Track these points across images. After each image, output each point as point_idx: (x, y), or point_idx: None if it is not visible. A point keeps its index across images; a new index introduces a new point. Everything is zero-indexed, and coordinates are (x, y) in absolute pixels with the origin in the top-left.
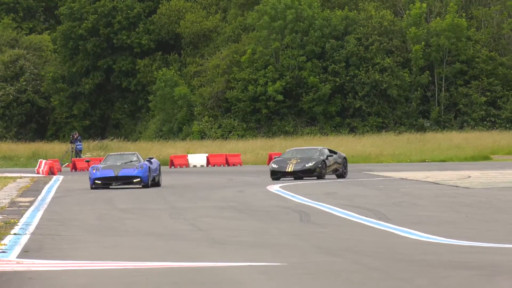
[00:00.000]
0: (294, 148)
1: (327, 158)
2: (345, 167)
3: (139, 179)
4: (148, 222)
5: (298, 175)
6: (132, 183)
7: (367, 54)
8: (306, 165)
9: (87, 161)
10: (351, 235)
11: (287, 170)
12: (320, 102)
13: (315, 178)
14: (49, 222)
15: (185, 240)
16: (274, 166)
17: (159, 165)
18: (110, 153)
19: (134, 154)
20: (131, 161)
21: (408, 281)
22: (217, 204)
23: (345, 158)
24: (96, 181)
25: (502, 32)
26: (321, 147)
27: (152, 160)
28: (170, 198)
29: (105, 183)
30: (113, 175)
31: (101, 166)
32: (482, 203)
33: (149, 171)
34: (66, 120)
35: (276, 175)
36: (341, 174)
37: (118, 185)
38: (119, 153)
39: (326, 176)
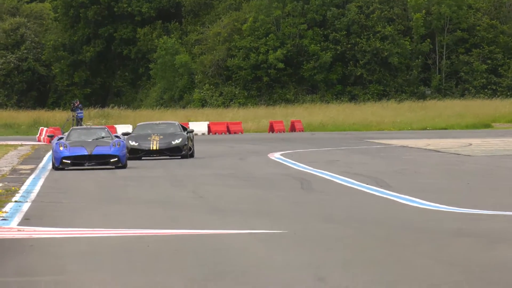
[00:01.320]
0: (146, 123)
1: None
2: (193, 145)
3: (116, 159)
4: (148, 189)
5: (165, 153)
6: (108, 163)
7: (368, 22)
8: (173, 142)
9: (50, 136)
10: (352, 202)
11: (151, 148)
12: (321, 70)
13: (179, 157)
14: (50, 190)
15: (185, 208)
16: (133, 143)
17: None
18: (74, 127)
19: (103, 128)
20: (102, 137)
21: (409, 248)
22: (218, 172)
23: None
24: (64, 160)
25: (503, 0)
26: (176, 122)
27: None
28: (170, 165)
29: (76, 162)
30: (86, 153)
31: (68, 142)
32: (483, 170)
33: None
34: (67, 88)
35: (137, 153)
36: (192, 154)
37: (92, 165)
38: (84, 126)
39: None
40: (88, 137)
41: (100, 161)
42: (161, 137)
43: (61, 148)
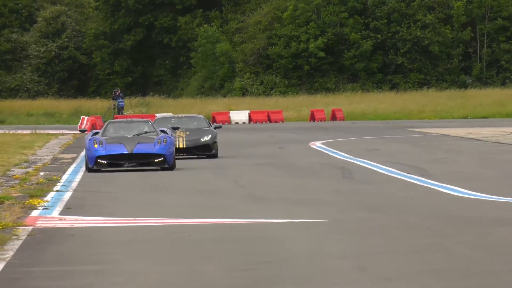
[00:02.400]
0: (166, 115)
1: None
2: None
3: (161, 159)
4: (190, 179)
5: (193, 152)
6: (152, 163)
7: (408, 10)
8: (201, 139)
9: (82, 131)
10: (393, 191)
11: (177, 146)
12: (362, 59)
13: (205, 157)
14: (92, 179)
15: (226, 197)
16: None
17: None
18: (111, 120)
19: (146, 122)
20: (145, 132)
21: (450, 237)
22: (259, 160)
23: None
24: (99, 160)
25: None
26: (201, 115)
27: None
28: None
29: (113, 163)
30: (126, 152)
31: (104, 138)
32: None
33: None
34: (108, 77)
35: None
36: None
37: (132, 166)
38: (125, 119)
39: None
40: (128, 132)
41: (142, 161)
42: (188, 133)
43: (96, 146)
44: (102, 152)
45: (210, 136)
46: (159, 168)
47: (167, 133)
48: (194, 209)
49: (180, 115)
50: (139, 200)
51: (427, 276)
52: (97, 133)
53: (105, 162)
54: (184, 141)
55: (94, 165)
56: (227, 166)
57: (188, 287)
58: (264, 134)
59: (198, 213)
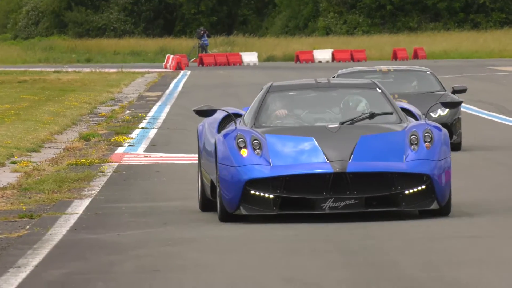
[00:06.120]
0: (357, 70)
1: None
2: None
3: (422, 187)
4: None
5: None
6: (396, 200)
7: None
8: (435, 114)
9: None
10: (475, 130)
11: None
12: None
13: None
14: (177, 116)
15: None
16: None
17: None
18: (274, 84)
19: (368, 86)
20: (370, 115)
21: None
22: None
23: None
24: (253, 192)
25: None
26: (428, 69)
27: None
28: None
29: (295, 200)
30: (330, 170)
31: (264, 131)
32: None
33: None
34: (194, 17)
35: None
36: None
37: (344, 208)
38: (320, 81)
39: None
40: (320, 111)
41: (370, 194)
42: (406, 101)
43: (245, 153)
44: (265, 169)
45: (447, 111)
46: (418, 210)
47: (412, 114)
48: None
49: (385, 68)
50: None
51: None
52: (236, 116)
53: (272, 197)
54: None
55: (238, 205)
56: None
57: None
58: None
59: None
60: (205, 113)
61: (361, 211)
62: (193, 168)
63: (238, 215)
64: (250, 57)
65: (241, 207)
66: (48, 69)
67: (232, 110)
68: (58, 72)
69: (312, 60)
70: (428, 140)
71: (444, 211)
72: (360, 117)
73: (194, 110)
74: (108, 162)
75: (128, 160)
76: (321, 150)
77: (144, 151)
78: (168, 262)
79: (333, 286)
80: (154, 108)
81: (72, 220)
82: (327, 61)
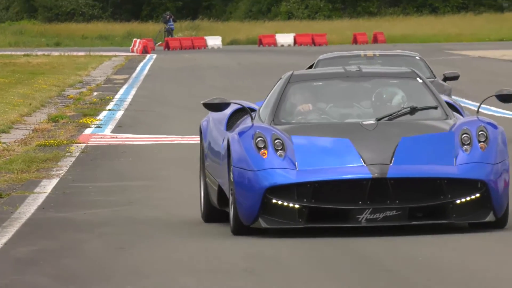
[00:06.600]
0: (340, 54)
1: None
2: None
3: (476, 195)
4: (240, 99)
5: None
6: (446, 212)
7: None
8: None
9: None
10: None
11: None
12: None
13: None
14: (143, 99)
15: None
16: None
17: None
18: (297, 73)
19: (411, 75)
20: (409, 109)
21: None
22: None
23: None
24: (274, 201)
25: None
26: (416, 54)
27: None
28: (257, 74)
29: (326, 210)
30: (368, 175)
31: (288, 128)
32: None
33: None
34: (160, 1)
35: None
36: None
37: (385, 221)
38: (350, 69)
39: None
40: (348, 104)
41: (415, 203)
42: None
43: (265, 154)
44: (289, 176)
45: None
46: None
47: (455, 108)
48: None
49: (370, 52)
50: (190, 119)
51: None
52: (251, 110)
53: (298, 207)
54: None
55: (257, 216)
56: (272, 87)
57: None
58: (308, 57)
59: None
60: (216, 107)
61: (404, 224)
62: (158, 149)
63: (256, 228)
64: (214, 41)
65: (260, 219)
66: (18, 53)
67: (244, 103)
68: (28, 55)
69: (275, 44)
70: (483, 140)
71: (500, 223)
72: (400, 112)
73: (203, 103)
74: (76, 143)
75: (95, 141)
76: (357, 151)
77: (111, 132)
78: (134, 239)
79: None
80: (121, 91)
81: (40, 199)
82: (289, 45)
